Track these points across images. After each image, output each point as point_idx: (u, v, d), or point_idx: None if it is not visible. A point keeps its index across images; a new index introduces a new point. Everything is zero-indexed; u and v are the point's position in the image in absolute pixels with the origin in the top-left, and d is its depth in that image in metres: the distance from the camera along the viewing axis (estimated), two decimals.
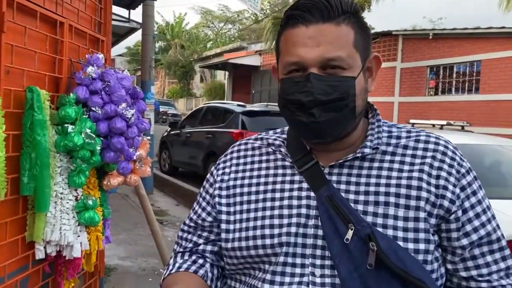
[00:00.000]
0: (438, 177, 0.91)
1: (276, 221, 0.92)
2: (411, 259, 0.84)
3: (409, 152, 0.95)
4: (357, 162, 0.93)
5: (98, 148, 2.73)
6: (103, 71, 2.85)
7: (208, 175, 1.15)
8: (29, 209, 2.53)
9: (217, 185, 1.08)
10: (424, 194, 0.89)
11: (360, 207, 0.89)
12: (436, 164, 0.93)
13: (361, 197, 0.91)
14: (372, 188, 0.91)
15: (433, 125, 4.84)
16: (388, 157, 0.94)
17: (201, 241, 1.11)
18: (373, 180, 0.91)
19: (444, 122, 4.76)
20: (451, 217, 0.90)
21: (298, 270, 0.88)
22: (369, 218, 0.88)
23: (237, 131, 7.59)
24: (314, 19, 0.88)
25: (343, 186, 0.92)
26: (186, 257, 1.10)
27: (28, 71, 2.44)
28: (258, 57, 22.81)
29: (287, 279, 0.89)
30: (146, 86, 6.91)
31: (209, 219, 1.08)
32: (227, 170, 1.08)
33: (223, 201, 1.04)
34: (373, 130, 0.96)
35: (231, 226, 1.00)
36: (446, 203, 0.90)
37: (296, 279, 0.88)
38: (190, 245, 1.11)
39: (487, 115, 14.18)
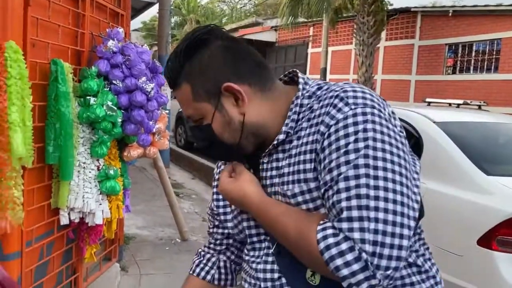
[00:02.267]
0: (318, 140, 0.91)
1: (244, 216, 1.09)
2: None
3: (313, 121, 0.95)
4: (280, 148, 1.00)
5: (119, 120, 2.82)
6: (123, 45, 2.92)
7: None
8: (54, 177, 2.65)
9: (215, 183, 1.22)
10: (313, 165, 0.92)
11: (279, 189, 0.98)
12: (322, 129, 0.91)
13: (275, 180, 1.00)
14: (282, 171, 0.98)
15: (450, 104, 4.82)
16: (301, 134, 0.97)
17: (216, 222, 1.26)
18: (286, 162, 0.98)
19: (460, 102, 4.73)
20: (319, 168, 0.91)
21: (263, 245, 1.05)
22: (280, 198, 0.98)
23: None
24: (171, 88, 1.07)
25: (270, 173, 1.02)
26: (201, 257, 1.28)
27: (52, 44, 2.52)
28: (274, 33, 22.56)
29: (256, 253, 1.06)
30: (162, 61, 6.95)
31: (215, 209, 1.23)
32: (221, 168, 1.21)
33: (220, 196, 1.19)
34: (291, 111, 0.99)
35: (228, 217, 1.17)
36: (319, 156, 0.92)
37: (259, 253, 1.05)
38: (210, 229, 1.29)
39: (506, 94, 13.91)
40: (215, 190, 1.21)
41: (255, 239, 1.06)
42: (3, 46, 2.07)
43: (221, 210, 1.19)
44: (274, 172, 1.01)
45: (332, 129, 0.88)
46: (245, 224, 1.08)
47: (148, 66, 3.04)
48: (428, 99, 5.10)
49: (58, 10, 2.60)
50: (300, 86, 1.01)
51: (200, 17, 38.38)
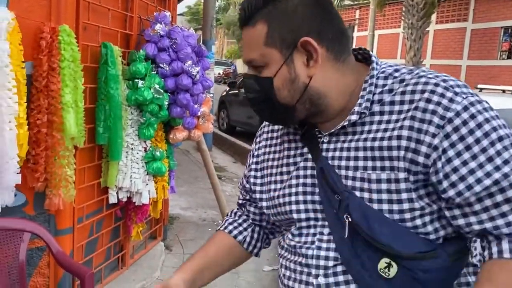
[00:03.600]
0: (419, 131, 0.85)
1: (286, 191, 1.01)
2: (381, 225, 0.87)
3: (396, 108, 0.90)
4: (350, 129, 0.94)
5: (166, 103, 2.87)
6: (170, 29, 2.96)
7: (252, 146, 1.22)
8: (103, 157, 2.75)
9: (254, 159, 1.17)
10: (402, 153, 0.86)
11: (343, 172, 0.93)
12: (418, 115, 0.85)
13: (343, 163, 0.93)
14: (353, 153, 0.92)
15: (503, 91, 4.57)
16: (376, 118, 0.91)
17: (247, 197, 1.21)
18: (360, 144, 0.92)
19: None
20: (431, 171, 0.85)
21: (311, 231, 0.98)
22: (350, 183, 0.92)
23: None
24: (241, 25, 0.98)
25: (333, 154, 0.95)
26: (236, 217, 1.22)
27: (102, 28, 2.59)
28: None
29: (303, 239, 0.99)
30: (207, 45, 6.99)
31: (247, 185, 1.18)
32: (261, 144, 1.16)
33: (258, 174, 1.14)
34: (365, 91, 0.93)
35: (264, 196, 1.11)
36: (421, 159, 0.84)
37: (309, 239, 0.98)
38: (241, 201, 1.24)
39: None
40: (253, 166, 1.14)
41: (303, 224, 0.99)
42: (57, 29, 2.14)
43: (257, 188, 1.12)
44: (343, 154, 0.94)
45: (457, 122, 0.82)
46: (294, 207, 1.00)
47: (194, 49, 3.06)
48: (480, 85, 4.85)
49: None
50: (374, 65, 0.96)
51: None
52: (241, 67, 29.84)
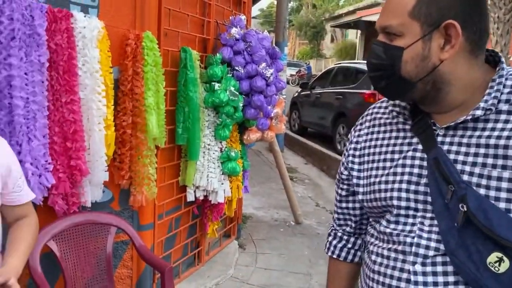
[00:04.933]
0: None
1: (390, 178, 1.02)
2: (500, 218, 0.87)
3: None
4: (471, 124, 0.93)
5: (241, 104, 2.94)
6: (245, 32, 3.02)
7: (349, 134, 1.22)
8: (182, 157, 2.87)
9: (352, 145, 1.17)
10: None
11: (459, 167, 0.92)
12: None
13: (460, 157, 0.93)
14: (473, 149, 0.92)
15: None
16: (503, 116, 0.91)
17: (343, 193, 1.21)
18: (482, 141, 0.91)
19: None
20: None
21: (410, 220, 0.98)
22: (467, 178, 0.91)
23: (369, 92, 7.34)
24: None
25: (450, 148, 0.94)
26: (345, 242, 1.24)
27: (181, 33, 2.71)
28: None
29: (400, 227, 0.99)
30: (280, 47, 7.02)
31: (345, 172, 1.19)
32: (362, 132, 1.16)
33: (356, 160, 1.15)
34: (492, 89, 0.93)
35: (361, 181, 1.12)
36: None
37: (408, 228, 0.98)
38: (342, 204, 1.24)
39: None
40: (351, 152, 1.16)
41: (402, 212, 0.99)
42: (141, 36, 2.28)
43: (355, 174, 1.13)
44: (462, 148, 0.94)
45: None
46: (395, 194, 1.00)
47: (268, 52, 3.10)
48: None
49: (187, 0, 2.77)
50: (504, 66, 0.96)
51: (317, 0, 37.87)
52: (312, 67, 29.65)
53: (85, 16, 2.07)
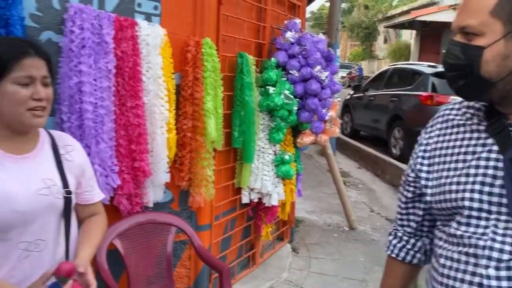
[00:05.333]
0: None
1: (462, 179, 1.00)
2: None
3: None
4: None
5: (295, 108, 2.95)
6: (300, 36, 3.03)
7: (419, 136, 1.20)
8: (237, 160, 2.93)
9: (422, 147, 1.16)
10: None
11: None
12: None
13: None
14: None
15: None
16: None
17: (409, 195, 1.20)
18: None
19: None
20: None
21: (482, 223, 0.96)
22: None
23: (426, 94, 7.09)
24: None
25: None
26: (404, 242, 1.23)
27: (238, 39, 2.76)
28: (452, 12, 20.53)
29: (471, 229, 0.97)
30: (332, 49, 7.01)
31: (412, 174, 1.18)
32: (433, 133, 1.15)
33: (425, 161, 1.13)
34: None
35: (429, 183, 1.10)
36: None
37: (480, 230, 0.96)
38: (407, 204, 1.22)
39: None
40: (420, 154, 1.15)
41: (474, 213, 0.97)
42: (200, 42, 2.35)
43: (423, 175, 1.12)
44: None
45: None
46: (467, 195, 0.98)
47: (323, 54, 3.09)
48: None
49: (244, 6, 2.82)
50: None
51: (369, 1, 37.16)
52: (364, 69, 29.10)
53: (148, 24, 2.17)
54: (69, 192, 1.32)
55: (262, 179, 2.93)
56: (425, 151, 1.14)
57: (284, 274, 3.26)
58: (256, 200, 3.00)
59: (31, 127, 1.25)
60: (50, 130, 1.43)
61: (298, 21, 3.13)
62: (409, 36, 28.85)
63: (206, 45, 2.34)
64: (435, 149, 1.12)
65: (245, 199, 2.94)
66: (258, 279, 3.11)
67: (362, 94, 9.69)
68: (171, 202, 2.46)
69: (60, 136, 1.41)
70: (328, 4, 7.85)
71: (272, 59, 2.91)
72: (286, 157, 3.03)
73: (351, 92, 10.56)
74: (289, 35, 2.95)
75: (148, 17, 2.23)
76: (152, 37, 2.16)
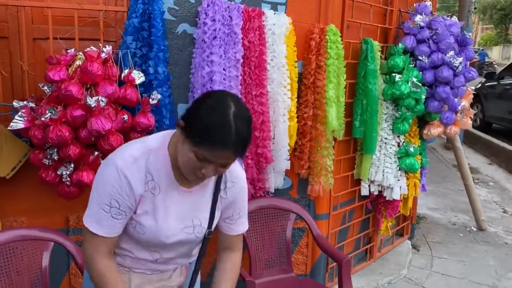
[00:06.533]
0: None
1: None
2: None
3: None
4: None
5: (423, 97, 2.76)
6: (430, 19, 2.81)
7: None
8: (357, 151, 2.84)
9: None
10: None
11: None
12: None
13: None
14: None
15: None
16: None
17: None
18: None
19: None
20: None
21: None
22: None
23: None
24: None
25: None
26: None
27: (363, 24, 2.66)
28: None
29: None
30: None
31: None
32: None
33: None
34: None
35: None
36: None
37: None
38: None
39: None
40: None
41: None
42: (325, 29, 2.31)
43: None
44: None
45: None
46: None
47: (456, 39, 2.84)
48: None
49: None
50: None
51: None
52: (497, 55, 26.21)
53: (274, 14, 2.20)
54: (210, 233, 1.32)
55: (383, 172, 2.81)
56: None
57: (404, 271, 3.11)
58: (376, 193, 2.89)
59: (193, 183, 1.25)
60: None
61: (428, 3, 2.91)
62: None
63: (330, 31, 2.30)
64: None
65: (364, 191, 2.85)
66: (375, 273, 3.00)
67: (496, 83, 8.74)
68: (290, 189, 2.49)
69: (229, 170, 1.29)
70: None
71: (399, 44, 2.75)
72: (411, 149, 2.86)
73: (483, 81, 9.58)
74: (419, 18, 2.76)
75: (274, 6, 2.26)
76: (278, 26, 2.19)
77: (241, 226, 1.41)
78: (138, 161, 1.16)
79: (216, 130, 1.07)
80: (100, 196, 1.15)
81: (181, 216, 1.25)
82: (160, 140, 1.21)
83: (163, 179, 1.20)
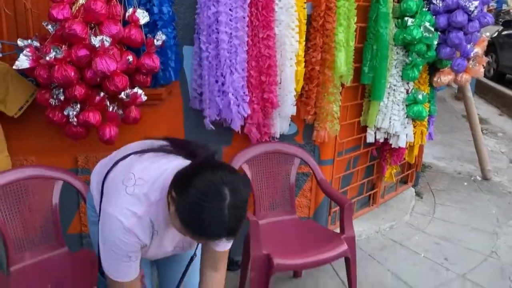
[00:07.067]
0: None
1: None
2: None
3: None
4: None
5: (435, 42, 2.68)
6: None
7: None
8: (365, 97, 2.81)
9: None
10: None
11: None
12: None
13: None
14: None
15: None
16: None
17: None
18: None
19: None
20: None
21: None
22: None
23: None
24: None
25: None
26: None
27: None
28: None
29: None
30: None
31: None
32: None
33: None
34: None
35: None
36: None
37: None
38: None
39: None
40: None
41: None
42: None
43: None
44: None
45: None
46: None
47: None
48: None
49: None
50: None
51: None
52: None
53: None
54: (195, 255, 1.42)
55: (390, 119, 2.79)
56: None
57: (406, 217, 3.17)
58: (382, 140, 2.89)
59: None
60: None
61: None
62: None
63: None
64: None
65: (370, 138, 2.85)
66: (378, 218, 3.07)
67: None
68: (296, 135, 2.49)
69: None
70: None
71: None
72: (420, 96, 2.82)
73: (499, 29, 9.26)
74: None
75: None
76: None
77: (228, 243, 1.36)
78: (142, 219, 1.18)
79: (209, 227, 1.06)
80: (116, 253, 1.19)
81: (173, 242, 1.34)
82: (158, 192, 1.19)
83: (162, 225, 1.24)
